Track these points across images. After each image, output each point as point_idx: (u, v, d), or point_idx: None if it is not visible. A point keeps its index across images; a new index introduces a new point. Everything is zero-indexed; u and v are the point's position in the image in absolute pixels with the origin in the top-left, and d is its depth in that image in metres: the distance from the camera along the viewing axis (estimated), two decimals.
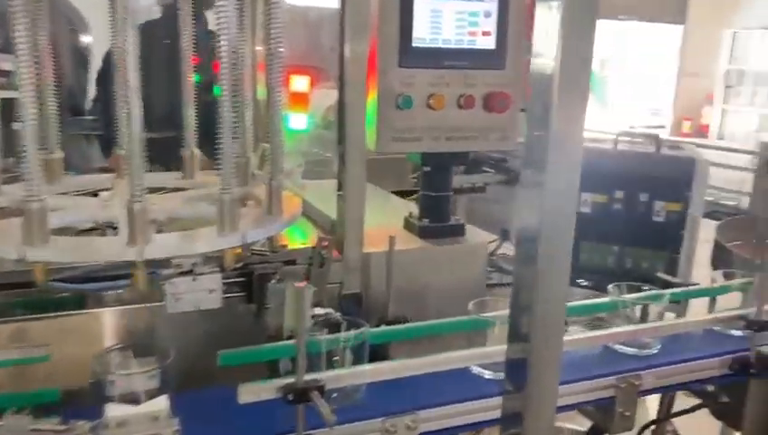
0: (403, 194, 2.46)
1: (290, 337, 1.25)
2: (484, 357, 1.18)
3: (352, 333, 1.15)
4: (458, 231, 1.49)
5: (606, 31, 8.81)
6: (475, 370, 1.24)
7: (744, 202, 3.00)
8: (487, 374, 1.23)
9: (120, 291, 1.26)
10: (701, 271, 2.16)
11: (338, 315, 1.31)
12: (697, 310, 1.62)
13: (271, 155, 1.22)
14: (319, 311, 1.29)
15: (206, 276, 1.20)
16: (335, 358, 1.13)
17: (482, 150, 1.95)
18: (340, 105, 1.33)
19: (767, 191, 1.47)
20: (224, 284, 1.23)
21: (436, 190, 1.49)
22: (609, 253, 2.33)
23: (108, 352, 1.09)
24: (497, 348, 1.17)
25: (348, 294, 1.37)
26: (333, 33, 1.48)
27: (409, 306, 1.36)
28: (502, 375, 1.20)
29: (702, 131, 10.05)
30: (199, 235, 1.08)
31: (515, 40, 1.43)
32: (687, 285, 1.59)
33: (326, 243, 1.30)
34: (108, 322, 1.31)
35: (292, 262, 1.34)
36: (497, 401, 1.08)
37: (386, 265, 1.30)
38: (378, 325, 1.30)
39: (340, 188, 1.40)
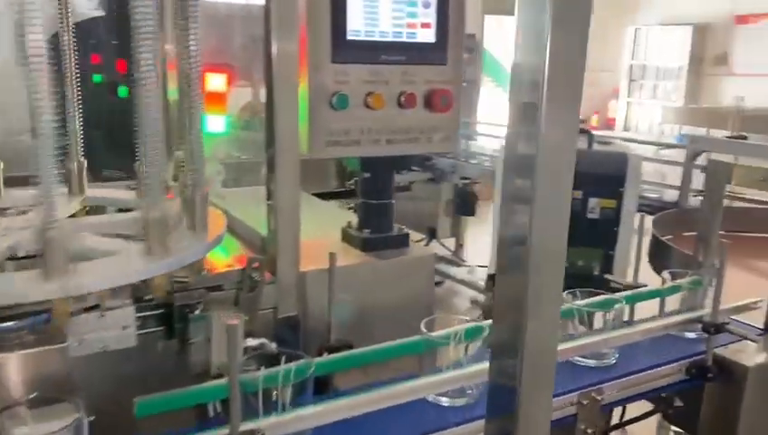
0: (325, 197, 2.32)
1: (219, 375, 1.09)
2: (443, 385, 1.06)
3: (293, 365, 0.99)
4: (403, 242, 1.37)
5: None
6: (431, 397, 1.12)
7: (667, 194, 3.05)
8: (444, 401, 1.11)
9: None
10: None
11: (273, 346, 1.16)
12: (645, 311, 1.57)
13: (190, 164, 1.05)
14: (251, 342, 1.14)
15: (116, 311, 1.02)
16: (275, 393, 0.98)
17: (425, 153, 1.81)
18: (269, 106, 1.17)
19: (713, 190, 1.42)
20: (138, 318, 1.06)
21: (377, 198, 1.35)
22: None
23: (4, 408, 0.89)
24: (456, 374, 1.06)
25: (283, 318, 1.21)
26: (246, 29, 1.31)
27: (352, 328, 1.22)
28: (460, 402, 1.09)
29: (609, 124, 10.46)
30: (125, 261, 0.90)
31: (456, 33, 1.32)
32: (635, 287, 1.54)
33: (257, 264, 1.14)
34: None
35: (218, 288, 1.16)
36: (461, 430, 0.99)
37: (327, 286, 1.15)
38: (319, 353, 1.15)
39: (269, 196, 1.23)
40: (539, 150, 0.58)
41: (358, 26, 1.23)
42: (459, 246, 4.21)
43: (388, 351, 1.14)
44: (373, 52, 1.25)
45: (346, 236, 1.40)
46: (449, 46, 1.31)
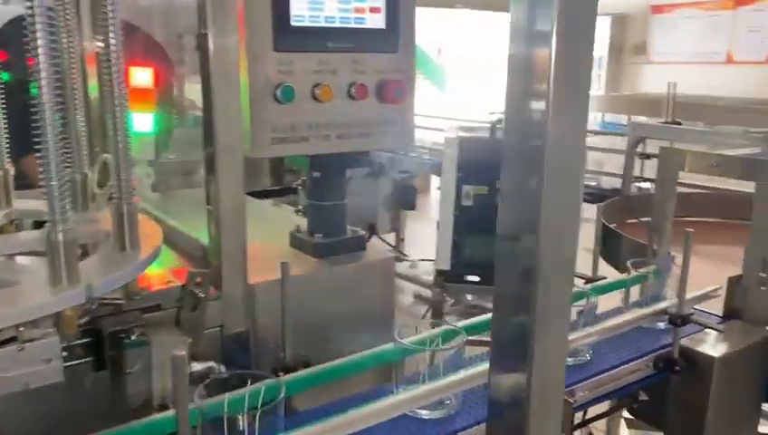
0: (259, 196, 2.19)
1: (163, 406, 0.97)
2: (425, 398, 0.97)
3: (262, 386, 0.85)
4: (358, 245, 1.26)
5: (444, 19, 9.00)
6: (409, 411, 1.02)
7: (605, 181, 3.07)
8: (424, 414, 1.02)
9: None
10: (583, 255, 2.11)
11: (221, 368, 1.04)
12: (605, 303, 1.53)
13: (115, 171, 0.92)
14: (197, 366, 1.01)
15: (37, 343, 0.88)
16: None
17: (380, 149, 1.72)
18: (205, 101, 1.04)
19: (666, 177, 1.39)
20: (63, 348, 0.92)
21: (329, 199, 1.24)
22: (494, 245, 2.23)
23: None
24: (437, 385, 0.97)
25: (232, 336, 1.09)
26: (168, 22, 1.18)
27: (308, 342, 1.12)
28: (439, 414, 1.00)
29: None
30: (21, 293, 0.76)
31: (407, 19, 1.22)
32: (596, 280, 1.50)
33: (199, 278, 1.02)
34: None
35: (156, 308, 1.02)
36: None
37: (279, 298, 1.04)
38: (274, 372, 1.04)
39: (209, 201, 1.11)
40: (547, 143, 0.50)
41: (302, 11, 1.11)
42: (400, 240, 4.14)
43: (360, 362, 1.04)
44: (319, 38, 1.14)
45: (295, 242, 1.28)
46: (401, 33, 1.21)
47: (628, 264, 1.45)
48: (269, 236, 1.36)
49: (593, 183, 3.12)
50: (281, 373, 1.04)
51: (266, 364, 1.09)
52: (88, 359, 0.97)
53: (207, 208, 1.09)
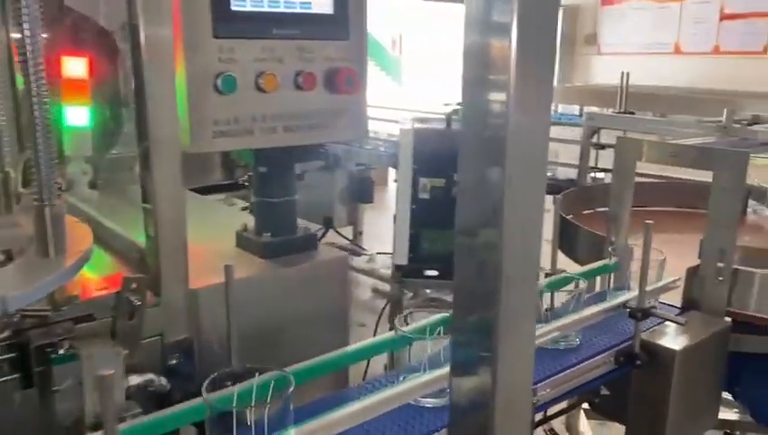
0: (210, 191, 2.10)
1: (96, 425, 0.89)
2: (429, 386, 0.91)
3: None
4: (310, 244, 1.20)
5: (399, 9, 8.94)
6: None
7: (560, 172, 3.07)
8: (428, 402, 0.97)
9: None
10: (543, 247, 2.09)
11: (162, 381, 0.97)
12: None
13: (37, 169, 0.83)
14: (136, 379, 0.94)
15: None
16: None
17: (331, 142, 1.65)
18: (138, 92, 0.96)
19: (623, 167, 1.36)
20: None
21: (277, 195, 1.17)
22: (452, 239, 2.19)
23: None
24: (442, 372, 0.91)
25: (173, 345, 1.01)
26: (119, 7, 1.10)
27: (259, 349, 1.05)
28: (443, 401, 0.95)
29: None
30: None
31: (357, 4, 1.16)
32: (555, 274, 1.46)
33: (135, 284, 0.94)
34: None
35: (88, 318, 0.94)
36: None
37: (225, 304, 0.96)
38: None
39: (145, 199, 1.02)
40: (509, 134, 0.44)
41: None
42: (358, 233, 4.08)
43: (360, 352, 0.97)
44: (263, 24, 1.06)
45: (242, 242, 1.21)
46: (351, 19, 1.15)
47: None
48: (215, 236, 1.28)
49: (549, 174, 3.11)
50: (228, 383, 0.98)
51: (211, 372, 1.02)
52: (14, 376, 0.89)
53: (144, 208, 1.00)
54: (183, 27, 1.01)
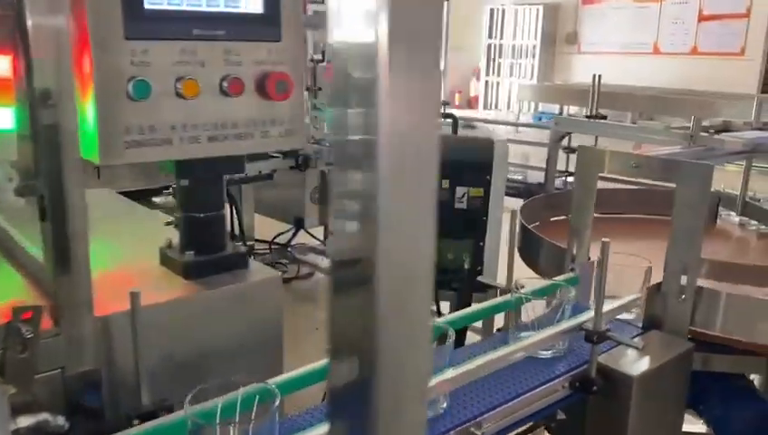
0: (144, 195, 1.96)
1: None
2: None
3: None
4: (239, 263, 1.10)
5: None
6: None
7: (531, 175, 3.00)
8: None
9: None
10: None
11: (60, 420, 0.87)
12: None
13: None
14: (25, 421, 0.84)
15: None
16: None
17: (262, 151, 1.55)
18: (31, 93, 0.86)
19: (584, 178, 1.29)
20: None
21: (202, 210, 1.07)
22: None
23: None
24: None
25: (75, 377, 0.91)
26: None
27: (176, 380, 0.95)
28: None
29: (471, 103, 10.65)
30: None
31: (291, 3, 1.07)
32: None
33: (27, 313, 0.84)
34: None
35: None
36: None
37: (131, 334, 0.87)
38: (127, 420, 0.88)
39: (43, 215, 0.91)
40: (381, 138, 0.36)
41: None
42: (330, 234, 3.98)
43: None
44: (182, 24, 0.96)
45: (165, 260, 1.11)
46: (283, 18, 1.05)
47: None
48: (140, 252, 1.18)
49: (519, 177, 3.04)
50: (135, 421, 0.89)
51: (122, 409, 0.93)
52: None
53: (42, 224, 0.90)
54: (90, 25, 0.90)
